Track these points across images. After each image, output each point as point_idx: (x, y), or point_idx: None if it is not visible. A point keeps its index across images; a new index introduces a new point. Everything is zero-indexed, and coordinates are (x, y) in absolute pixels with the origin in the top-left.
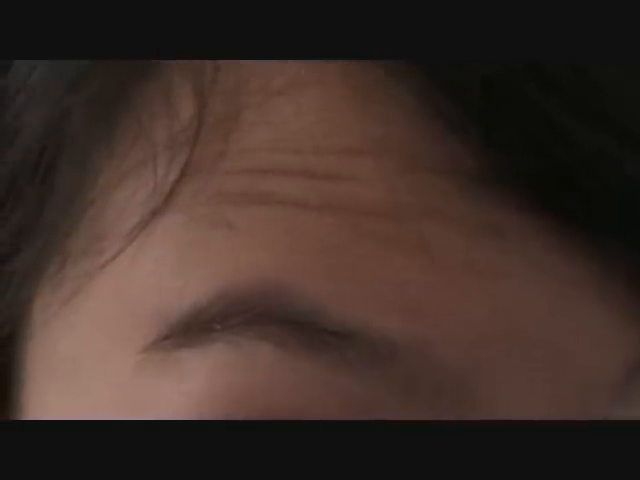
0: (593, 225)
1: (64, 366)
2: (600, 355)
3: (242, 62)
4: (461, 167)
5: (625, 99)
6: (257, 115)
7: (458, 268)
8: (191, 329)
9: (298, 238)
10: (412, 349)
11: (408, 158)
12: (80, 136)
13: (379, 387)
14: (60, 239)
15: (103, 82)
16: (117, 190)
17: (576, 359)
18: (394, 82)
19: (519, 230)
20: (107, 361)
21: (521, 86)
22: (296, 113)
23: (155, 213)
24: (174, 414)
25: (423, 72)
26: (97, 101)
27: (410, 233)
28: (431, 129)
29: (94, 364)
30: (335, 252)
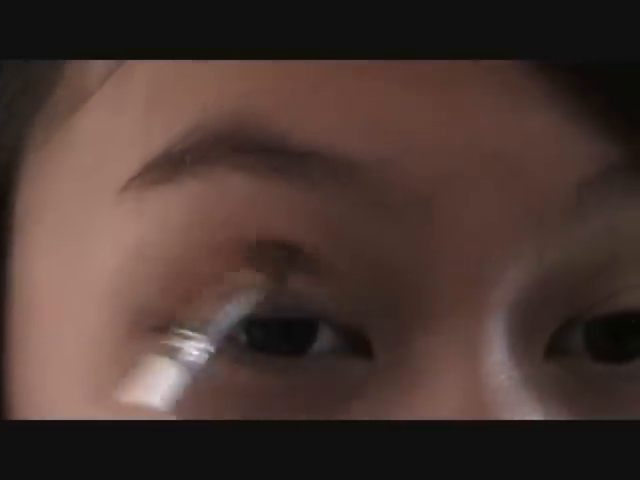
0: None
1: (53, 210)
2: (552, 170)
3: None
4: None
5: None
6: None
7: (416, 80)
8: (165, 165)
9: (261, 67)
10: (374, 166)
11: None
12: None
13: (345, 205)
14: (41, 92)
15: None
16: None
17: (529, 174)
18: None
19: None
20: (90, 202)
21: None
22: None
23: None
24: (154, 247)
25: (579, 71)
26: None
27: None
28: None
29: (79, 207)
30: (296, 77)
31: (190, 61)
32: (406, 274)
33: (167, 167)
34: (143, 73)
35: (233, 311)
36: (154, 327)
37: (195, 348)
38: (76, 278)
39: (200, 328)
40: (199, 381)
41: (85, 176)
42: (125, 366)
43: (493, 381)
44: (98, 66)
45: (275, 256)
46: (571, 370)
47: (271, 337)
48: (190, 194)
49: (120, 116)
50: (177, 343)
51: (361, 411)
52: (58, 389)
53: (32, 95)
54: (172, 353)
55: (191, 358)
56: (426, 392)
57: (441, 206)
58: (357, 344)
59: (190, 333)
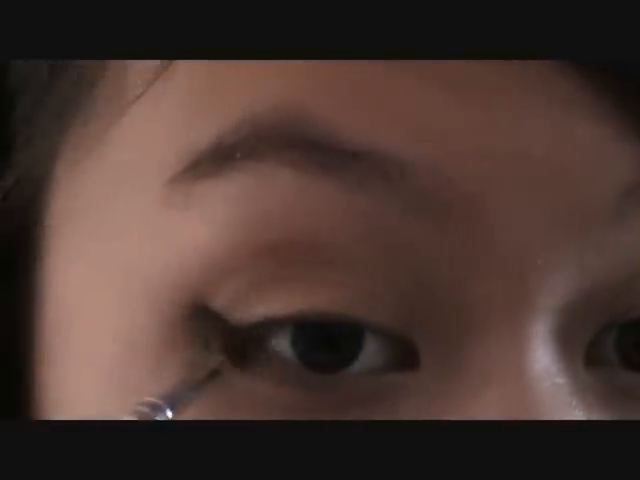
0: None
1: (90, 211)
2: (596, 176)
3: None
4: None
5: None
6: None
7: (467, 86)
8: (214, 159)
9: (313, 63)
10: (422, 167)
11: None
12: None
13: (390, 205)
14: (84, 90)
15: None
16: None
17: (573, 180)
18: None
19: None
20: (134, 198)
21: None
22: None
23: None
24: (198, 244)
25: (625, 76)
26: None
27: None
28: None
29: (121, 203)
30: (348, 75)
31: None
32: (451, 281)
33: (216, 161)
34: (186, 70)
35: (276, 310)
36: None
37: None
38: (113, 280)
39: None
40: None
41: (125, 174)
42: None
43: (540, 388)
44: (140, 70)
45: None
46: (606, 379)
47: (317, 351)
48: (237, 189)
49: (163, 112)
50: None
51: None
52: (89, 393)
53: (72, 99)
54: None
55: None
56: (474, 399)
57: (487, 211)
58: (404, 354)
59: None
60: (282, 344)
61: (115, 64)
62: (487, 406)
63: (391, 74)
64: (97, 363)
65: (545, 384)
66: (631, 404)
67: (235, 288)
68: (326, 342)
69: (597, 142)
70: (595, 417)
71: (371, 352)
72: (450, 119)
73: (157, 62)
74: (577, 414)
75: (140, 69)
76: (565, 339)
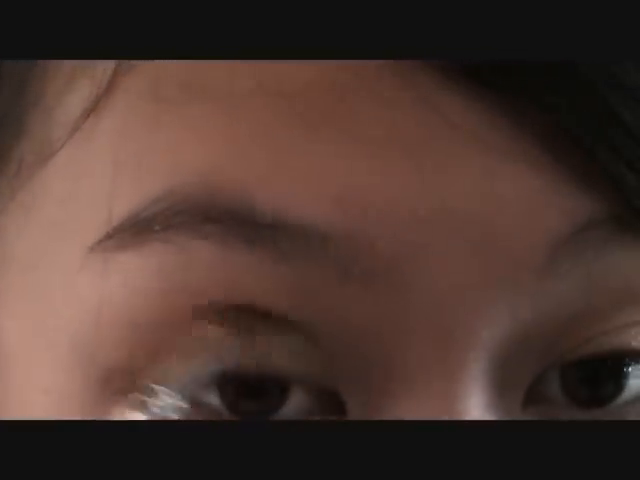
0: (513, 90)
1: (19, 265)
2: (525, 229)
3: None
4: None
5: None
6: None
7: (385, 144)
8: (131, 230)
9: (231, 133)
10: (343, 235)
11: None
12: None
13: (313, 276)
14: (9, 144)
15: None
16: (64, 94)
17: (502, 235)
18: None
19: (444, 100)
20: (56, 259)
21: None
22: None
23: (98, 100)
24: (119, 310)
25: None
26: None
27: (340, 111)
28: None
29: (45, 261)
30: (266, 146)
31: (159, 120)
32: (377, 340)
33: (133, 232)
34: (108, 130)
35: (201, 370)
36: (122, 387)
37: (164, 403)
38: (43, 335)
39: (170, 386)
40: None
41: (50, 234)
42: None
43: None
44: (63, 119)
45: (243, 316)
46: (549, 416)
47: (242, 399)
48: (156, 260)
49: (85, 173)
50: (147, 397)
51: None
52: None
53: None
54: (142, 407)
55: (159, 412)
56: None
57: (411, 273)
58: (331, 405)
59: (159, 388)
60: (210, 397)
61: (36, 117)
62: None
63: (309, 142)
64: (30, 413)
65: None
66: None
67: (158, 354)
68: (252, 392)
69: (526, 195)
70: None
71: (298, 401)
72: (371, 183)
73: (79, 118)
74: None
75: (62, 122)
76: (499, 388)
